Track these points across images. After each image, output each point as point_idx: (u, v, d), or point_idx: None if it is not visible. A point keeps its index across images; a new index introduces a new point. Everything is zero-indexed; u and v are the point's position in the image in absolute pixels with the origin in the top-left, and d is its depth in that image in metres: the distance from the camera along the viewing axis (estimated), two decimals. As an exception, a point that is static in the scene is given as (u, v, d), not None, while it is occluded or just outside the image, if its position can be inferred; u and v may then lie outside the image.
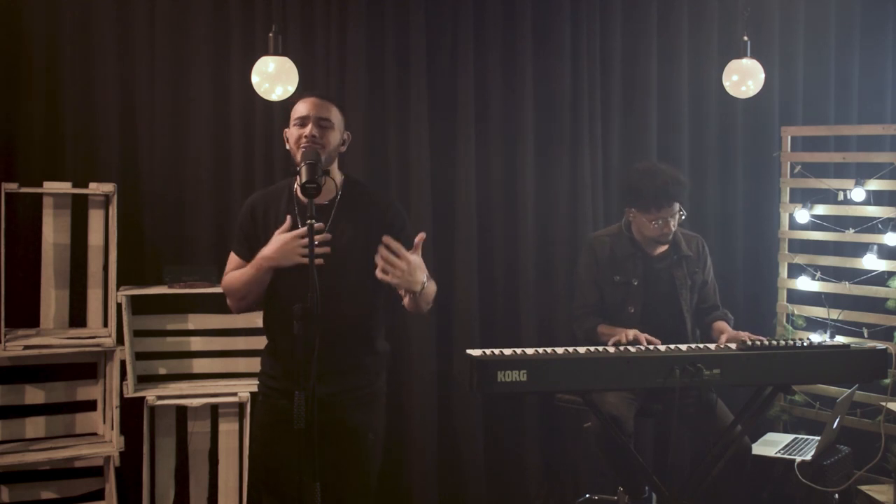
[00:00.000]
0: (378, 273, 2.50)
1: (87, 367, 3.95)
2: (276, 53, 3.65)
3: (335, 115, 2.72)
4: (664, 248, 3.70)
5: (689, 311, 3.68)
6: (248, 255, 2.76)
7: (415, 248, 2.56)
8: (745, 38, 4.09)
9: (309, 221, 2.38)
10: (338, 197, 2.72)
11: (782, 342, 3.24)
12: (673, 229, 3.60)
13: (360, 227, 2.71)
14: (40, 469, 3.87)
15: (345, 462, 2.70)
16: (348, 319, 2.68)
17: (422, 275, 2.56)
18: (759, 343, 3.21)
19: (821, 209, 4.41)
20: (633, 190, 3.62)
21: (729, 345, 3.30)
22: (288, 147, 2.74)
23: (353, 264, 2.69)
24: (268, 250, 2.65)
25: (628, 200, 3.68)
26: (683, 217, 3.65)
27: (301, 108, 2.71)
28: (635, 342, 3.33)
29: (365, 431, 2.75)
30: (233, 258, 2.84)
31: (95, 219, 3.90)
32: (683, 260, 3.69)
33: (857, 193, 4.28)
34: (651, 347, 3.29)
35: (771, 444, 3.98)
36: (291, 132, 2.71)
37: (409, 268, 2.50)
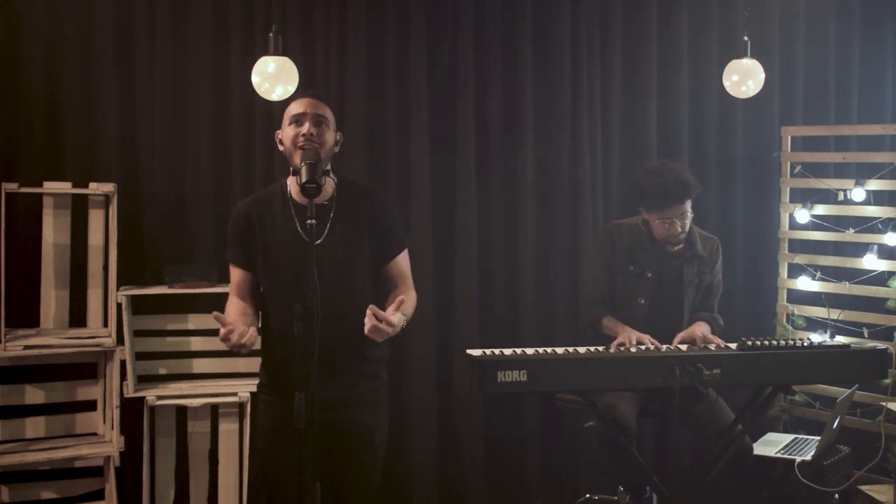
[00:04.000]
0: (366, 332, 2.49)
1: (87, 367, 3.95)
2: (276, 53, 3.64)
3: (329, 114, 2.72)
4: (680, 246, 3.69)
5: (688, 308, 3.68)
6: (244, 263, 2.75)
7: (393, 310, 2.53)
8: (745, 38, 4.08)
9: (309, 222, 2.38)
10: (335, 197, 2.72)
11: (782, 342, 3.24)
12: (679, 231, 3.59)
13: (358, 227, 2.71)
14: (40, 469, 3.87)
15: (351, 463, 2.70)
16: (350, 319, 2.68)
17: (399, 324, 2.56)
18: (758, 343, 3.21)
19: (821, 209, 4.41)
20: (639, 189, 3.63)
21: (729, 345, 3.31)
22: (282, 149, 2.72)
23: (354, 262, 2.69)
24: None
25: (636, 200, 3.68)
26: (692, 217, 3.64)
27: (296, 107, 2.70)
28: (639, 345, 3.33)
29: (371, 432, 2.75)
30: (234, 272, 2.78)
31: (95, 219, 3.90)
32: (696, 258, 3.69)
33: (857, 193, 4.28)
34: (652, 348, 3.29)
35: (771, 444, 3.98)
36: (286, 132, 2.69)
37: (393, 330, 2.51)
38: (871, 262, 4.24)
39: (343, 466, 2.66)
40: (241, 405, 3.95)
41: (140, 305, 3.94)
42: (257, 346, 2.80)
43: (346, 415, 2.67)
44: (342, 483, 2.67)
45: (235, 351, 2.47)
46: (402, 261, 2.81)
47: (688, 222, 3.61)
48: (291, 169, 2.68)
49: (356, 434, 2.71)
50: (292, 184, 2.72)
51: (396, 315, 2.53)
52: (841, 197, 4.34)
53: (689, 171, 3.66)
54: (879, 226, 4.24)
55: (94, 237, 3.89)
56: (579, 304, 4.28)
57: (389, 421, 2.88)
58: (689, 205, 3.58)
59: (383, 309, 2.53)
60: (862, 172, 4.39)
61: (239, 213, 2.78)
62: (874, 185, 4.27)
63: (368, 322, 2.47)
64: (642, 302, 3.63)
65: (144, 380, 3.95)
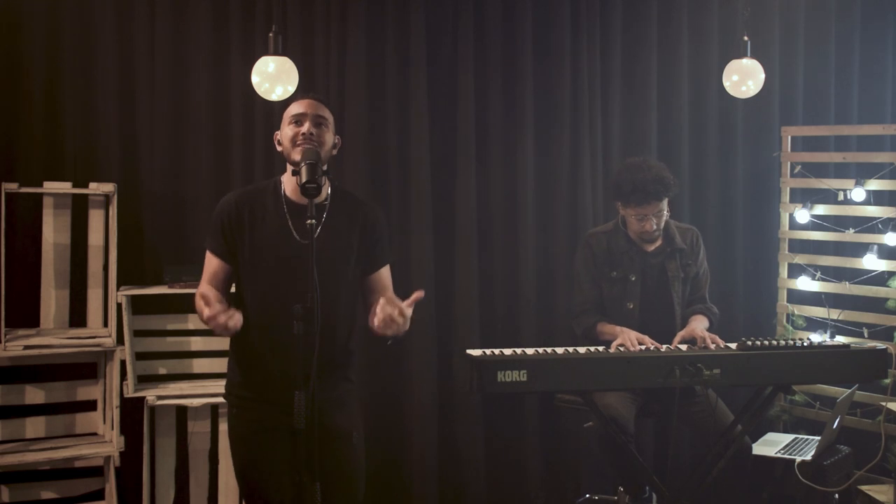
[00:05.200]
0: (375, 325, 2.48)
1: (87, 367, 3.95)
2: (276, 53, 3.64)
3: (329, 116, 2.72)
4: (658, 243, 3.70)
5: (679, 303, 3.68)
6: (225, 254, 2.71)
7: (409, 304, 2.51)
8: (745, 38, 4.08)
9: (309, 221, 2.37)
10: (329, 201, 2.72)
11: (782, 342, 3.25)
12: (654, 229, 3.60)
13: (349, 233, 2.72)
14: (40, 469, 3.87)
15: (333, 464, 2.69)
16: (337, 321, 2.68)
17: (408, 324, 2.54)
18: (758, 343, 3.22)
19: (821, 209, 4.41)
20: (615, 183, 3.64)
21: (729, 345, 3.31)
22: (280, 149, 2.72)
23: (341, 266, 2.69)
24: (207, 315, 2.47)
25: (614, 194, 3.69)
26: (667, 216, 3.65)
27: (297, 107, 2.70)
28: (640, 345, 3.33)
29: (349, 432, 2.74)
30: (210, 261, 2.73)
31: (95, 219, 3.90)
32: (677, 252, 3.70)
33: (857, 193, 4.28)
34: (652, 348, 3.29)
35: (771, 444, 3.98)
36: (285, 132, 2.68)
37: (406, 322, 2.48)
38: (871, 262, 4.24)
39: (327, 468, 2.64)
40: (241, 405, 3.95)
41: (140, 305, 3.94)
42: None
43: (323, 417, 2.64)
44: (328, 485, 2.65)
45: (217, 332, 2.43)
46: (386, 274, 2.81)
47: (663, 220, 3.62)
48: (289, 168, 2.68)
49: (333, 435, 2.68)
50: (287, 182, 2.71)
51: (409, 310, 2.50)
52: (841, 197, 4.34)
53: (668, 169, 3.66)
54: (879, 226, 4.24)
55: (94, 237, 3.90)
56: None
57: (365, 422, 2.86)
58: (665, 203, 3.60)
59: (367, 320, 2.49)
60: (862, 172, 4.39)
61: (229, 202, 2.73)
62: (874, 185, 4.27)
63: (382, 312, 2.44)
64: (631, 306, 3.63)
65: (144, 380, 3.95)
